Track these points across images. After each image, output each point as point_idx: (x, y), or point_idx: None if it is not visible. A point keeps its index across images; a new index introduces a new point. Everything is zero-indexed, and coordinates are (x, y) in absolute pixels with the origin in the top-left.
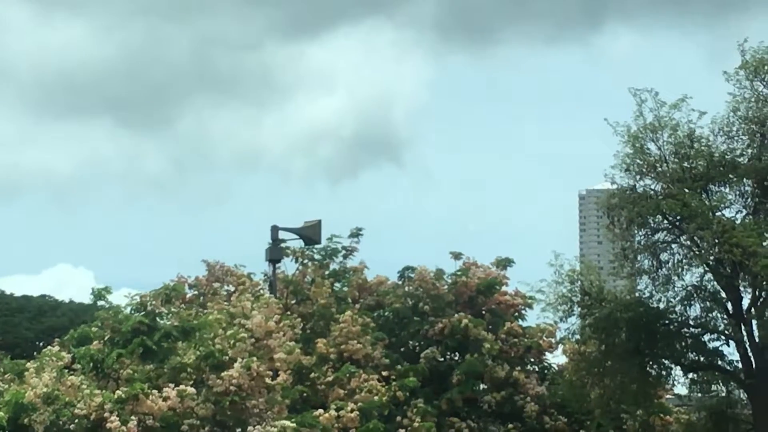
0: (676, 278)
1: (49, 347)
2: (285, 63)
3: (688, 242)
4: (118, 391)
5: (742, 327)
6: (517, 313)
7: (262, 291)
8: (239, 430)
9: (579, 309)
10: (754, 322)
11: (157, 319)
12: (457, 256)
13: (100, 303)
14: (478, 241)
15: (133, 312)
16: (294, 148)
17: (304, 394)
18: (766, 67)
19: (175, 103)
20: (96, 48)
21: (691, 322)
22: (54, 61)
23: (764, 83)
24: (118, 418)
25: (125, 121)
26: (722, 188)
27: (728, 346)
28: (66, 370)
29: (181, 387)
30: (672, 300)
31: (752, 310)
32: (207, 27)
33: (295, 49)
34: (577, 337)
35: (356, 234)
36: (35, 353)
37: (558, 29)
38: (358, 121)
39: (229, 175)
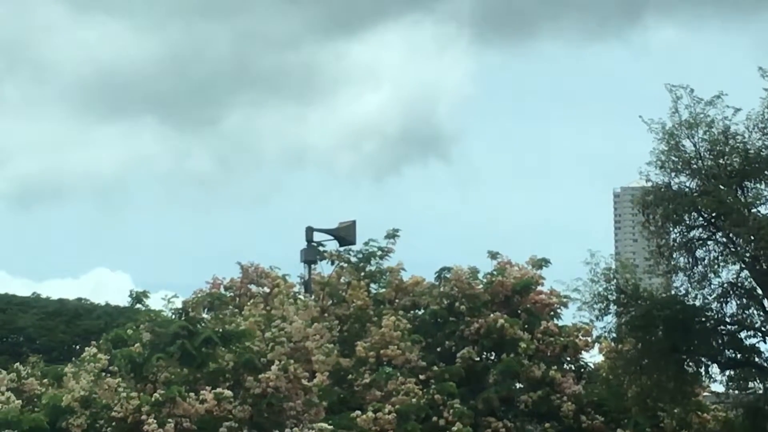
0: (712, 275)
1: (87, 349)
2: (327, 60)
3: (724, 239)
4: (155, 394)
5: None
6: (552, 312)
7: (298, 293)
8: None
9: (615, 307)
10: None
11: (198, 324)
12: (494, 255)
13: (138, 306)
14: (514, 239)
15: (173, 316)
16: (339, 145)
17: (341, 396)
18: None
19: (219, 102)
20: (136, 47)
21: (728, 319)
22: (95, 61)
23: None
24: (155, 421)
25: (169, 121)
26: (758, 185)
27: (765, 342)
28: (103, 373)
29: (219, 390)
30: (708, 297)
31: None
32: (246, 25)
33: (336, 46)
34: (614, 335)
35: (393, 235)
36: (72, 357)
37: (597, 24)
38: (403, 117)
39: (274, 173)
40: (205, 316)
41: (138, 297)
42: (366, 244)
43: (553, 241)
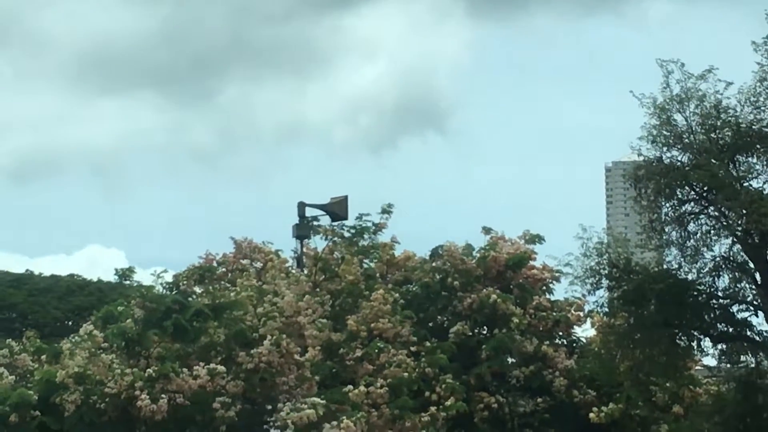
0: (704, 249)
1: (84, 326)
2: (323, 33)
3: (716, 213)
4: (148, 370)
5: None
6: (545, 287)
7: (290, 268)
8: (269, 406)
9: (607, 282)
10: None
11: (189, 298)
12: (487, 231)
13: (126, 282)
14: (507, 213)
15: (164, 290)
16: (336, 119)
17: (334, 371)
18: None
19: (216, 75)
20: (132, 20)
21: (720, 293)
22: (90, 34)
23: None
24: (148, 396)
25: (166, 95)
26: (750, 158)
27: (757, 316)
28: (97, 350)
29: (212, 365)
30: (701, 271)
31: None
32: None
33: (332, 19)
34: (606, 309)
35: (386, 210)
36: (65, 333)
37: None
38: (399, 90)
39: (271, 147)
40: (196, 289)
41: (124, 274)
42: (359, 218)
43: (545, 215)
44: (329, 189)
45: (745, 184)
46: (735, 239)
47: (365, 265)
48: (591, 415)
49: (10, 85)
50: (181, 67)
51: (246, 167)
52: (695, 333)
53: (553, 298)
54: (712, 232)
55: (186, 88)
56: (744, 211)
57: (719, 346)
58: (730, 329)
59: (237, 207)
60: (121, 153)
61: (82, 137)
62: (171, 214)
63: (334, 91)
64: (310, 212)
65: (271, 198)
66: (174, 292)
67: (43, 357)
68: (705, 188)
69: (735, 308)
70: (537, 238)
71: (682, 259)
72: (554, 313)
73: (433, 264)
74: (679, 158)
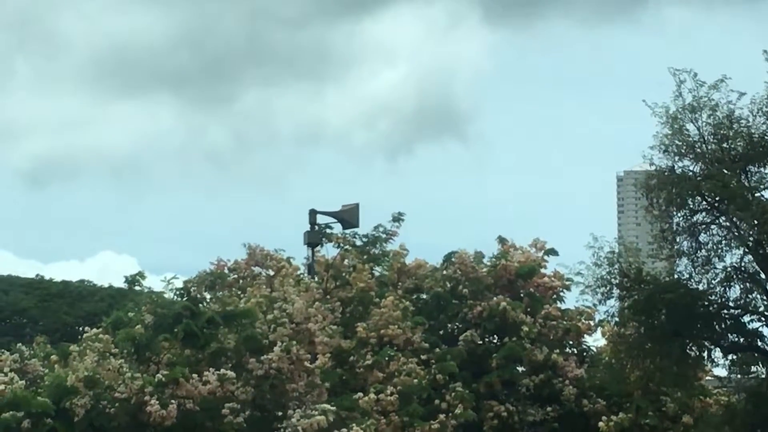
0: (715, 259)
1: (93, 330)
2: (341, 38)
3: (728, 223)
4: (158, 375)
5: None
6: (555, 296)
7: (301, 275)
8: (279, 413)
9: (618, 291)
10: None
11: (200, 305)
12: (502, 240)
13: (137, 288)
14: (519, 221)
15: (175, 297)
16: (354, 124)
17: (344, 378)
18: None
19: (234, 79)
20: (150, 23)
21: (731, 304)
22: (108, 37)
23: None
24: (158, 402)
25: (184, 98)
26: (762, 169)
27: None
28: (107, 354)
29: (222, 371)
30: (712, 281)
31: None
32: (259, 1)
33: (350, 23)
34: (616, 319)
35: (397, 218)
36: (78, 338)
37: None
38: (418, 94)
39: (289, 151)
40: (206, 295)
41: (133, 280)
42: (375, 228)
43: (557, 223)
44: (345, 194)
45: (757, 194)
46: (746, 249)
47: (376, 273)
48: (600, 424)
49: (29, 88)
50: (199, 71)
51: (263, 172)
52: (706, 343)
53: (563, 307)
54: (724, 242)
55: (204, 91)
56: (756, 222)
57: (730, 357)
58: (741, 340)
59: (253, 212)
60: (138, 156)
61: (100, 140)
62: (185, 219)
63: (352, 96)
64: (321, 219)
65: (288, 203)
66: (184, 299)
67: (53, 357)
68: (717, 198)
69: (746, 319)
70: (550, 252)
71: (693, 269)
72: (564, 322)
73: (444, 272)
74: (690, 168)
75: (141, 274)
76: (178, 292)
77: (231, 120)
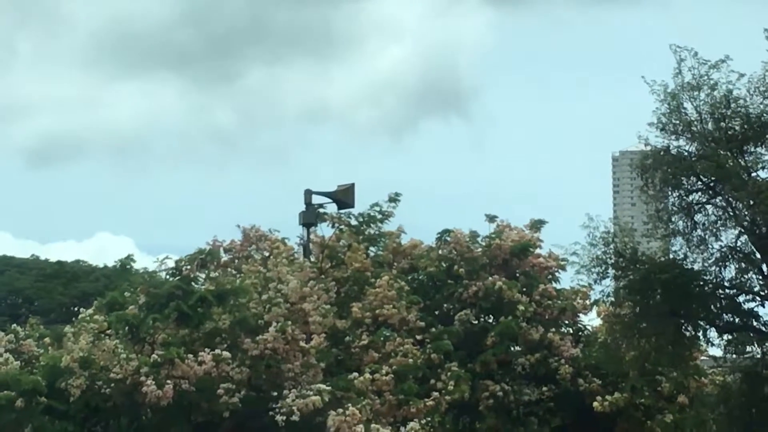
0: (711, 239)
1: (88, 311)
2: (344, 15)
3: (723, 203)
4: (153, 355)
5: None
6: (550, 276)
7: (296, 255)
8: (274, 393)
9: (613, 271)
10: None
11: (192, 283)
12: (491, 218)
13: (132, 268)
14: (515, 201)
15: (168, 276)
16: (359, 101)
17: (339, 358)
18: None
19: (238, 57)
20: (153, 2)
21: (726, 283)
22: (111, 16)
23: None
24: (153, 382)
25: (188, 77)
26: (758, 149)
27: (763, 307)
28: (102, 335)
29: (217, 351)
30: (707, 261)
31: None
32: None
33: (353, 0)
34: (612, 299)
35: (394, 199)
36: (71, 318)
37: None
38: (422, 71)
39: (294, 129)
40: (198, 274)
41: (124, 263)
42: (371, 207)
43: (552, 203)
44: (348, 173)
45: (753, 174)
46: (742, 229)
47: (371, 253)
48: (595, 403)
49: (31, 67)
50: (203, 49)
51: (267, 151)
52: (701, 323)
53: (558, 287)
54: (719, 222)
55: (207, 70)
56: (751, 202)
57: (725, 337)
58: (737, 319)
59: (255, 192)
60: (141, 135)
61: (102, 120)
62: (187, 199)
63: (356, 74)
64: (317, 200)
65: (290, 182)
66: (176, 278)
67: (46, 339)
68: (712, 178)
69: (741, 298)
70: (540, 223)
71: (688, 249)
72: (560, 302)
73: (440, 252)
74: (686, 148)
75: (131, 258)
76: (170, 272)
77: (235, 99)
